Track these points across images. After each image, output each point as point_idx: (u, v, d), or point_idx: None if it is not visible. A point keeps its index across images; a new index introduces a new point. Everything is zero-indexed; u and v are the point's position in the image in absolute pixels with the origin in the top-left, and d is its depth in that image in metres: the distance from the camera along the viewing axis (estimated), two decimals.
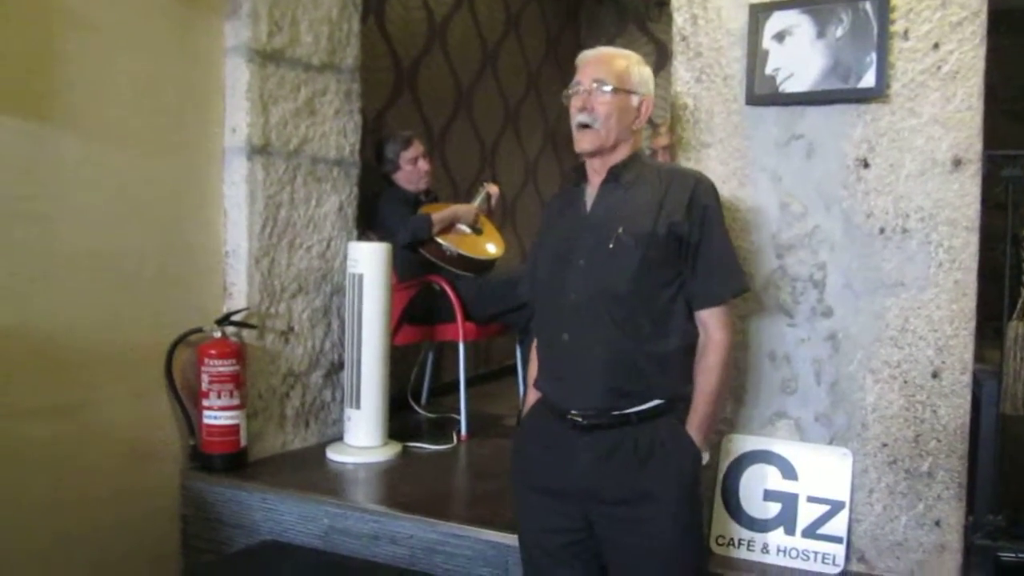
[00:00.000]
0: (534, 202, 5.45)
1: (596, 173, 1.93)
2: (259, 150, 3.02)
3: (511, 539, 2.37)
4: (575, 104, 1.89)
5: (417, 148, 3.69)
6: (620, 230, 1.82)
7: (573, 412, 1.85)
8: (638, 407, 1.82)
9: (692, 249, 1.85)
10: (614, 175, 1.89)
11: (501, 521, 2.47)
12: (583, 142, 1.89)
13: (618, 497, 1.81)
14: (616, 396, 1.82)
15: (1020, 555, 2.15)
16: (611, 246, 1.82)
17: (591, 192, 1.93)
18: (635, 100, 1.89)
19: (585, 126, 1.87)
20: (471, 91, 4.71)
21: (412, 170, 3.67)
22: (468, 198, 4.38)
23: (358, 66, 3.43)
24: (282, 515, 2.71)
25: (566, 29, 5.72)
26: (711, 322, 1.87)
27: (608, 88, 1.86)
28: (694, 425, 1.86)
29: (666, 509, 1.81)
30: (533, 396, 2.03)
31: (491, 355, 4.86)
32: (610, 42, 6.03)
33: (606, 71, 1.88)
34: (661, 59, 5.55)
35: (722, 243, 1.90)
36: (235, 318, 2.96)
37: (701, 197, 1.86)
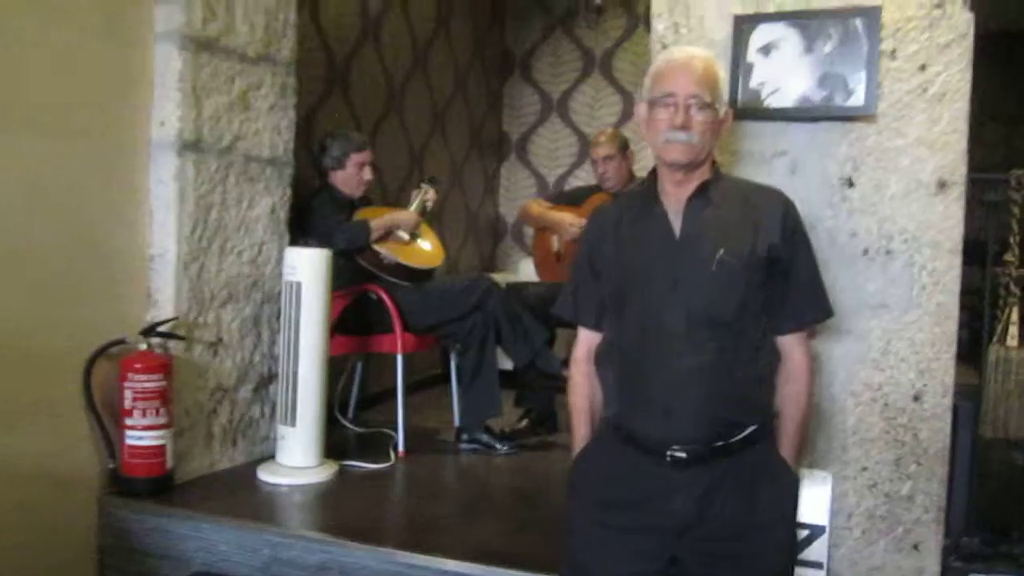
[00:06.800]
0: (459, 205, 5.30)
1: (679, 186, 1.75)
2: (190, 146, 2.78)
3: (474, 569, 2.25)
4: (670, 120, 1.70)
5: (368, 155, 3.50)
6: (721, 251, 1.69)
7: (675, 447, 1.69)
8: (738, 436, 1.71)
9: (783, 271, 1.74)
10: (703, 192, 1.75)
11: (460, 549, 2.34)
12: (676, 152, 1.70)
13: (724, 533, 1.69)
14: (722, 426, 1.70)
15: None
16: (713, 268, 1.69)
17: (675, 208, 1.76)
18: (722, 112, 1.77)
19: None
20: (403, 90, 4.53)
21: (355, 174, 3.47)
22: (397, 200, 4.21)
23: (294, 59, 3.21)
24: (216, 544, 2.49)
25: (491, 31, 5.59)
26: (797, 347, 1.78)
27: (707, 104, 1.70)
28: (788, 452, 1.79)
29: (774, 540, 1.75)
30: (586, 429, 1.88)
31: (414, 365, 4.68)
32: (535, 47, 6.00)
33: (703, 85, 1.70)
34: (588, 68, 5.49)
35: (812, 265, 1.81)
36: (162, 328, 2.71)
37: (794, 217, 1.77)
